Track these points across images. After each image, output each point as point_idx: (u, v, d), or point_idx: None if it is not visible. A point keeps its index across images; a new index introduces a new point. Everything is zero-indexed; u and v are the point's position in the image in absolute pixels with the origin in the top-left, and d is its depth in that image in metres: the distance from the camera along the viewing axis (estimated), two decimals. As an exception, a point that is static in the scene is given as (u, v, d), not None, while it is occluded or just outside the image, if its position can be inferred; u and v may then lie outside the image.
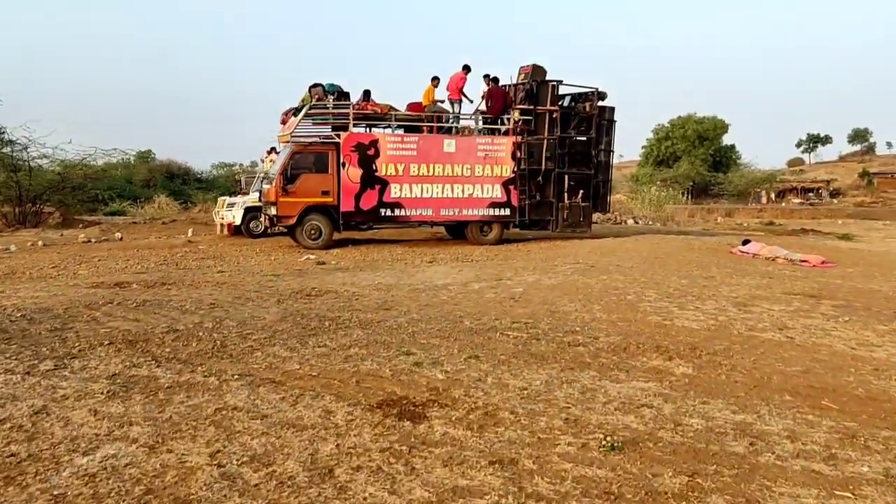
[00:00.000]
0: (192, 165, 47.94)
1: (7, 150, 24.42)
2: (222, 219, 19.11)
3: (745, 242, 14.23)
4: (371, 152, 14.61)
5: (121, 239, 19.19)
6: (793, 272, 11.54)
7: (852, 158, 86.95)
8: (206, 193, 34.73)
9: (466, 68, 15.84)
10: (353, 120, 14.62)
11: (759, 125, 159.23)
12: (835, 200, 58.10)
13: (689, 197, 49.29)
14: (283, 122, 15.60)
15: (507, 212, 15.64)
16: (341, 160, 14.41)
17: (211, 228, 20.54)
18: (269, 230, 16.71)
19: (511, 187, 15.52)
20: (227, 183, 39.00)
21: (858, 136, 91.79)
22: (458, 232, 16.48)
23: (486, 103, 15.66)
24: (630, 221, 29.09)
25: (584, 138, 16.15)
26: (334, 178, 14.49)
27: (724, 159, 60.35)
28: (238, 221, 18.34)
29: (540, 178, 15.67)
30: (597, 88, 15.94)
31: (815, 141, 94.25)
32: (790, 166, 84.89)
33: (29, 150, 24.00)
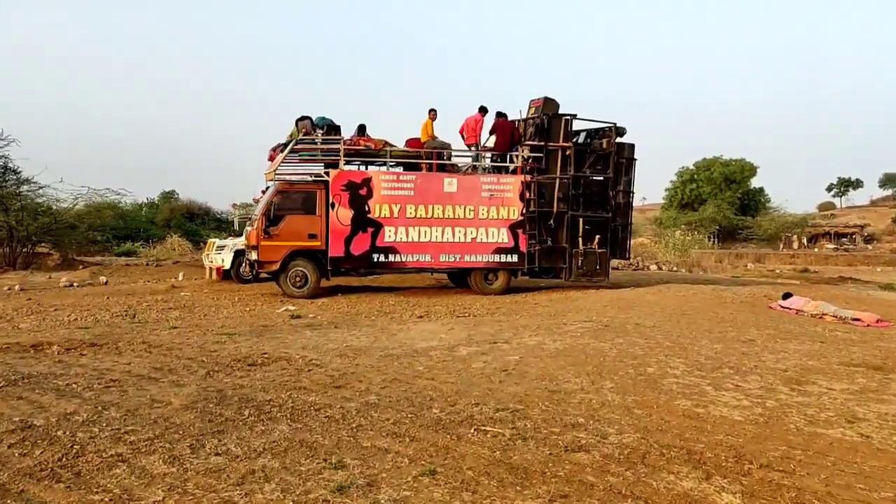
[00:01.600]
0: (214, 205, 47.14)
1: (24, 188, 24.15)
2: (211, 262, 17.83)
3: (787, 296, 12.51)
4: (363, 192, 13.25)
5: (105, 283, 17.98)
6: (846, 333, 9.83)
7: (884, 203, 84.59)
8: (220, 234, 33.89)
9: (483, 110, 14.50)
10: (345, 156, 13.31)
11: (788, 168, 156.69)
12: (869, 246, 55.82)
13: (716, 241, 47.44)
14: (271, 160, 14.33)
15: (515, 258, 14.11)
16: (330, 200, 13.07)
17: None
18: (253, 276, 15.31)
19: (519, 231, 14.03)
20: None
21: (890, 180, 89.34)
22: (462, 279, 14.98)
23: (490, 137, 14.33)
24: (653, 267, 27.42)
25: (600, 178, 14.66)
26: (322, 220, 13.12)
27: (752, 202, 58.39)
28: (228, 265, 17.06)
29: (551, 221, 14.16)
30: (615, 123, 14.51)
31: (845, 185, 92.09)
32: (821, 210, 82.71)
33: (40, 190, 23.76)
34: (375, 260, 13.39)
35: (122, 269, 21.88)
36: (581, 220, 14.25)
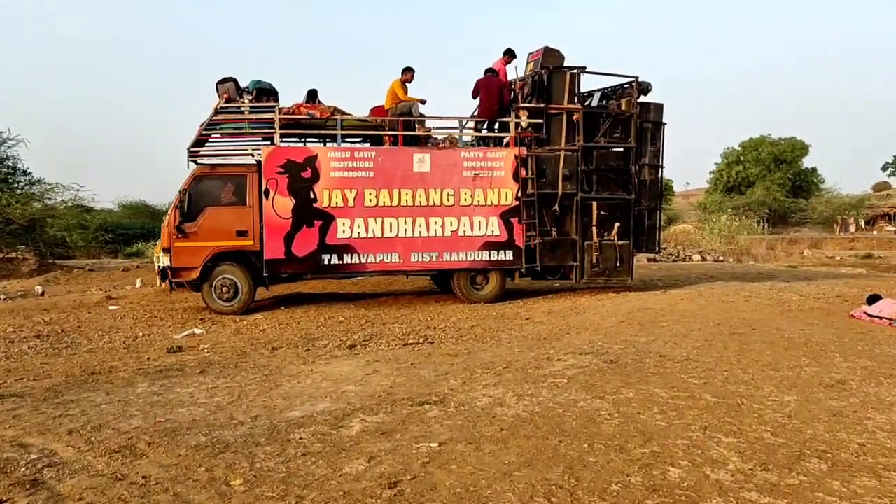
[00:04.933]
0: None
1: (35, 189, 22.78)
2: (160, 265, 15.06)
3: (873, 300, 9.10)
4: (307, 174, 10.24)
5: (42, 294, 15.39)
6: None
7: (941, 182, 78.62)
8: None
9: (510, 53, 11.41)
10: (282, 128, 10.31)
11: (838, 146, 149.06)
12: (934, 227, 50.94)
13: (766, 226, 43.34)
14: (200, 138, 11.39)
15: (510, 255, 10.94)
16: (264, 186, 10.10)
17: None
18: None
19: (514, 220, 10.86)
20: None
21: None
22: (448, 283, 11.84)
23: (474, 97, 11.20)
24: (696, 257, 23.88)
25: (619, 149, 11.35)
26: (255, 213, 10.16)
27: (804, 184, 53.69)
28: (177, 270, 14.25)
29: (556, 206, 10.93)
30: (636, 77, 11.19)
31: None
32: (875, 190, 77.25)
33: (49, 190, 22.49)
34: (326, 262, 10.37)
35: (83, 276, 19.34)
36: (595, 203, 10.99)
